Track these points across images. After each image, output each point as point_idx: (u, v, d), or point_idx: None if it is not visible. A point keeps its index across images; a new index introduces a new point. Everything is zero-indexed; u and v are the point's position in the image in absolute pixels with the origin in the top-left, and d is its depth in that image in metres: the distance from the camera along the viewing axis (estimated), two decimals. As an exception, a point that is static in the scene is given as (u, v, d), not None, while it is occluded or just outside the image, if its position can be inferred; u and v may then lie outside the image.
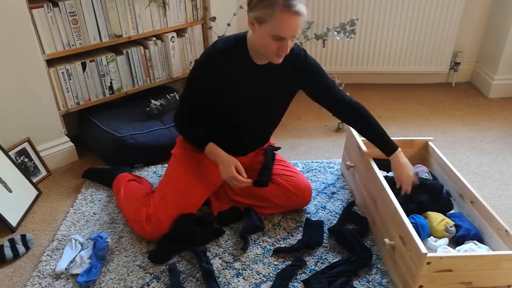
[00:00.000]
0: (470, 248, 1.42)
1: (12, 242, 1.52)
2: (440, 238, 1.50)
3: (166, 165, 1.79)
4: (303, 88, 1.60)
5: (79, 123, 2.15)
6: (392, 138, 1.65)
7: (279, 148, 1.81)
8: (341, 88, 2.31)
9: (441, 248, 1.44)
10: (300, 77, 1.56)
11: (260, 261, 1.50)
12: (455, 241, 1.51)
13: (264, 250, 1.55)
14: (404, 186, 1.59)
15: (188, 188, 1.58)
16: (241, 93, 1.53)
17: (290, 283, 1.42)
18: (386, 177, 1.70)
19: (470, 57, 2.88)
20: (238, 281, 1.42)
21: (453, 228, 1.52)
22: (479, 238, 1.49)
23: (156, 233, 1.52)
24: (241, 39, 1.46)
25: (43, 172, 1.94)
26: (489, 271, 1.29)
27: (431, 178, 1.75)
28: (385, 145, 1.61)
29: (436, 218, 1.54)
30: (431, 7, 2.58)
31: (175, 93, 2.21)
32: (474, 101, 2.71)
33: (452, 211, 1.64)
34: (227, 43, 1.47)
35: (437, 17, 2.62)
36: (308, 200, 1.70)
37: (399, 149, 1.60)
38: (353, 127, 1.73)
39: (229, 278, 1.43)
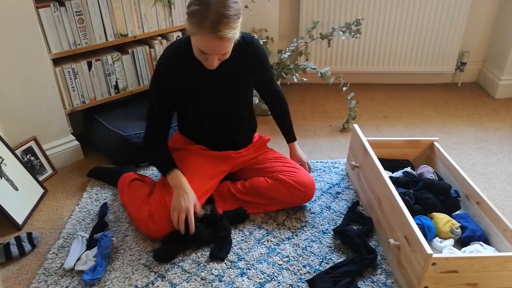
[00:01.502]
0: (476, 249, 1.41)
1: (18, 240, 1.53)
2: (445, 239, 1.49)
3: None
4: (255, 75, 1.65)
5: (85, 122, 2.16)
6: (397, 138, 1.77)
7: (245, 212, 1.67)
8: (346, 88, 2.32)
9: (447, 249, 1.43)
10: (252, 65, 1.60)
11: (264, 261, 1.50)
12: (461, 242, 1.50)
13: (269, 249, 1.55)
14: (304, 164, 1.81)
15: (188, 180, 1.59)
16: (200, 92, 1.57)
17: (295, 283, 1.42)
18: (391, 178, 1.70)
19: (476, 57, 2.86)
20: (243, 280, 1.43)
21: (459, 230, 1.51)
22: (485, 239, 1.49)
23: (159, 231, 1.53)
24: (185, 41, 1.50)
25: (49, 171, 1.95)
26: (495, 273, 1.28)
27: (437, 179, 1.74)
28: (289, 135, 1.87)
29: (442, 219, 1.53)
30: (437, 7, 2.57)
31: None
32: (481, 102, 2.70)
33: (458, 212, 1.63)
34: (175, 48, 1.54)
35: (444, 17, 2.60)
36: (312, 195, 1.70)
37: (296, 140, 1.88)
38: (271, 113, 1.88)
39: (233, 278, 1.43)
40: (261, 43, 2.36)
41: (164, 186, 1.60)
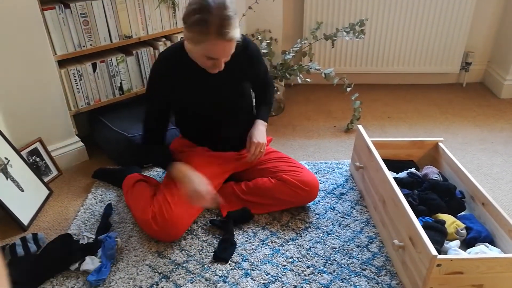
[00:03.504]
0: (481, 251, 1.40)
1: (23, 240, 1.54)
2: (451, 240, 1.48)
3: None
4: (251, 72, 1.65)
5: (90, 123, 2.18)
6: (401, 139, 1.80)
7: (250, 212, 1.68)
8: (350, 88, 2.31)
9: (452, 250, 1.42)
10: (246, 63, 1.60)
11: (268, 262, 1.50)
12: (466, 243, 1.49)
13: (273, 250, 1.55)
14: (252, 144, 1.64)
15: None
16: (196, 96, 1.58)
17: (299, 284, 1.41)
18: (395, 178, 1.69)
19: (481, 57, 2.84)
20: (247, 281, 1.43)
21: (464, 231, 1.50)
22: (491, 240, 1.48)
23: (163, 232, 1.53)
24: (179, 47, 1.52)
25: (54, 172, 1.96)
26: (500, 274, 1.27)
27: (441, 179, 1.73)
28: (258, 112, 1.76)
29: (447, 221, 1.52)
30: (442, 7, 2.56)
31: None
32: (486, 102, 2.68)
33: (463, 213, 1.62)
34: (169, 54, 1.55)
35: (448, 16, 2.59)
36: (316, 194, 1.70)
37: (265, 122, 1.74)
38: (255, 94, 1.83)
39: (238, 279, 1.44)
40: (266, 43, 2.37)
41: (167, 187, 1.60)
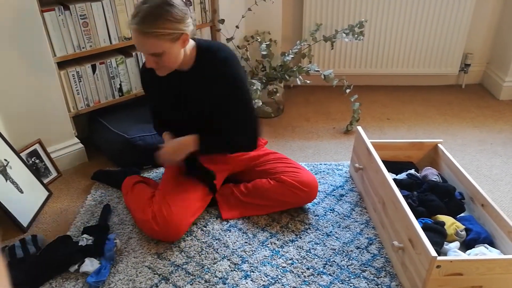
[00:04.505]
0: (481, 252, 1.40)
1: (23, 242, 1.54)
2: (450, 242, 1.48)
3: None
4: (216, 102, 1.54)
5: (89, 124, 2.17)
6: (401, 140, 1.82)
7: (213, 174, 1.66)
8: (349, 90, 2.32)
9: (452, 251, 1.43)
10: (214, 86, 1.52)
11: (268, 263, 1.50)
12: (466, 245, 1.49)
13: (273, 252, 1.55)
14: (163, 151, 1.57)
15: (187, 182, 1.63)
16: (172, 100, 1.61)
17: (298, 286, 1.41)
18: (395, 180, 1.69)
19: (480, 59, 2.85)
20: (246, 283, 1.43)
21: (463, 232, 1.50)
22: (490, 242, 1.48)
23: (164, 232, 1.53)
24: None
25: (54, 173, 1.96)
26: (500, 275, 1.27)
27: (441, 181, 1.73)
28: (204, 135, 1.56)
29: (446, 222, 1.52)
30: (441, 8, 2.57)
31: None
32: (485, 103, 2.69)
33: (462, 214, 1.62)
34: None
35: (447, 18, 2.60)
36: (315, 194, 1.70)
37: (199, 146, 1.55)
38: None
39: (237, 280, 1.43)
40: (265, 45, 2.37)
41: (165, 187, 1.61)
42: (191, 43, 1.50)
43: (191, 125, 1.61)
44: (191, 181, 1.65)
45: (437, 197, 1.62)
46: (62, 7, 1.80)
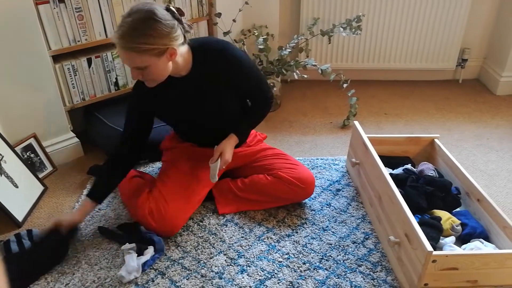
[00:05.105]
0: (476, 247, 1.41)
1: (18, 237, 1.53)
2: (446, 236, 1.49)
3: (171, 161, 1.80)
4: (232, 87, 1.55)
5: (85, 119, 2.16)
6: (397, 135, 1.81)
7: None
8: (346, 84, 2.31)
9: (447, 246, 1.43)
10: (222, 76, 1.51)
11: (264, 258, 1.50)
12: (461, 239, 1.50)
13: (269, 246, 1.55)
14: (216, 151, 1.57)
15: (184, 177, 1.63)
16: (175, 107, 1.57)
17: (295, 280, 1.41)
18: (391, 175, 1.69)
19: (477, 54, 2.85)
20: (243, 277, 1.43)
21: (459, 227, 1.51)
22: (486, 236, 1.49)
23: (161, 227, 1.53)
24: None
25: (49, 168, 1.95)
26: (495, 270, 1.28)
27: (437, 176, 1.74)
28: (239, 128, 1.64)
29: (442, 217, 1.53)
30: (438, 3, 2.56)
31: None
32: (482, 98, 2.69)
33: (458, 209, 1.63)
34: None
35: (445, 13, 2.59)
36: (312, 191, 1.70)
37: (238, 139, 1.63)
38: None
39: (234, 275, 1.43)
40: (262, 39, 2.35)
41: (162, 183, 1.61)
42: (185, 48, 1.43)
43: (213, 121, 1.61)
44: (188, 177, 1.64)
45: (434, 192, 1.62)
46: (56, -1, 1.78)
